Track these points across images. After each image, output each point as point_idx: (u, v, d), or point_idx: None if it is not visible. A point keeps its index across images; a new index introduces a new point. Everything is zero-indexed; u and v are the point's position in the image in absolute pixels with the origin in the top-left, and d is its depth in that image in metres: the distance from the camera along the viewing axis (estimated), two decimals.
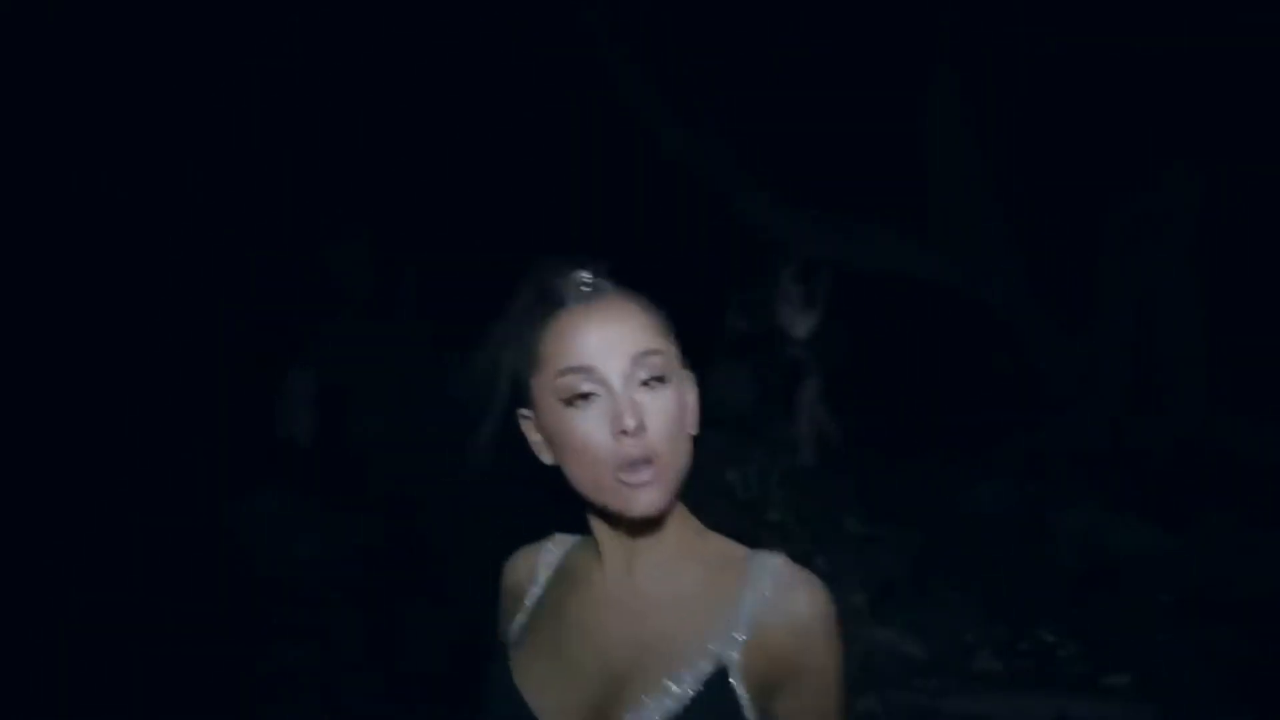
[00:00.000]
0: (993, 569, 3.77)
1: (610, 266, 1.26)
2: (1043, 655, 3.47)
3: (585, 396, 1.19)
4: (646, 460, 1.17)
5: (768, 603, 1.21)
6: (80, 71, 4.20)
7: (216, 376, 4.12)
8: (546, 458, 1.25)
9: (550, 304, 1.24)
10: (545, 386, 1.22)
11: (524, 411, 1.26)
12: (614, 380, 1.19)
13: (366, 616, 3.69)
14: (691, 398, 1.25)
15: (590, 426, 1.19)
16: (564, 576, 1.34)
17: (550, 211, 4.79)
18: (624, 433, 1.16)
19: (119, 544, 3.80)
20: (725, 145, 4.94)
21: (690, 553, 1.27)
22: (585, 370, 1.19)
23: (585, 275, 1.25)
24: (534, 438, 1.26)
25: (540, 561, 1.38)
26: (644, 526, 1.25)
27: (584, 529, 1.32)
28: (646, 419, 1.18)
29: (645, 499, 1.18)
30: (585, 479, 1.20)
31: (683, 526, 1.27)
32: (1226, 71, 4.18)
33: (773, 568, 1.22)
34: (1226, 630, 3.48)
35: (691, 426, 1.24)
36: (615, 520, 1.25)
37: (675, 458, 1.19)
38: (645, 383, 1.19)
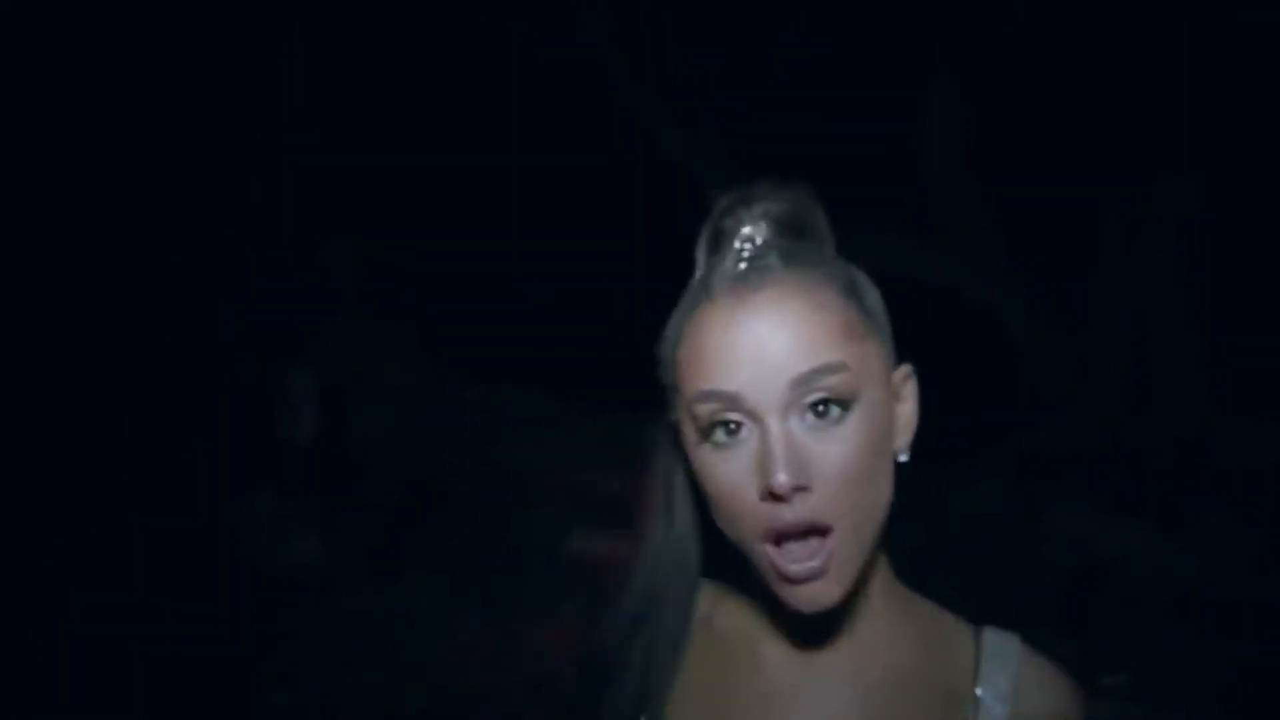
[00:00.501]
0: (989, 569, 3.78)
1: (798, 210, 0.91)
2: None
3: (729, 430, 0.86)
4: (814, 532, 0.84)
5: (1014, 705, 0.91)
6: (78, 69, 4.21)
7: (216, 376, 4.13)
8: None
9: (700, 285, 0.90)
10: (683, 407, 0.89)
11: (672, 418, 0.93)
12: (766, 412, 0.84)
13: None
14: (907, 407, 0.93)
15: (733, 470, 0.86)
16: (716, 646, 0.97)
17: (547, 212, 4.80)
18: (774, 495, 0.83)
19: (117, 544, 3.81)
20: (725, 145, 4.95)
21: (898, 628, 0.94)
22: (727, 398, 0.85)
23: (748, 241, 0.89)
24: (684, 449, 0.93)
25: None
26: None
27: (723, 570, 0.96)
28: (813, 470, 0.84)
29: (808, 595, 0.85)
30: (732, 536, 0.89)
31: (885, 589, 0.94)
32: (1223, 74, 4.20)
33: (1012, 655, 0.94)
34: (1224, 631, 3.49)
35: (899, 451, 0.91)
36: None
37: (860, 523, 0.86)
38: (817, 409, 0.84)
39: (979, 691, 0.92)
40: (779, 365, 0.85)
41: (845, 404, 0.85)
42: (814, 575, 0.85)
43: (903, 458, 0.91)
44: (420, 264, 4.43)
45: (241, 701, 3.30)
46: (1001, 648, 0.94)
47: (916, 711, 0.91)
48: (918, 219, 4.83)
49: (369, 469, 4.02)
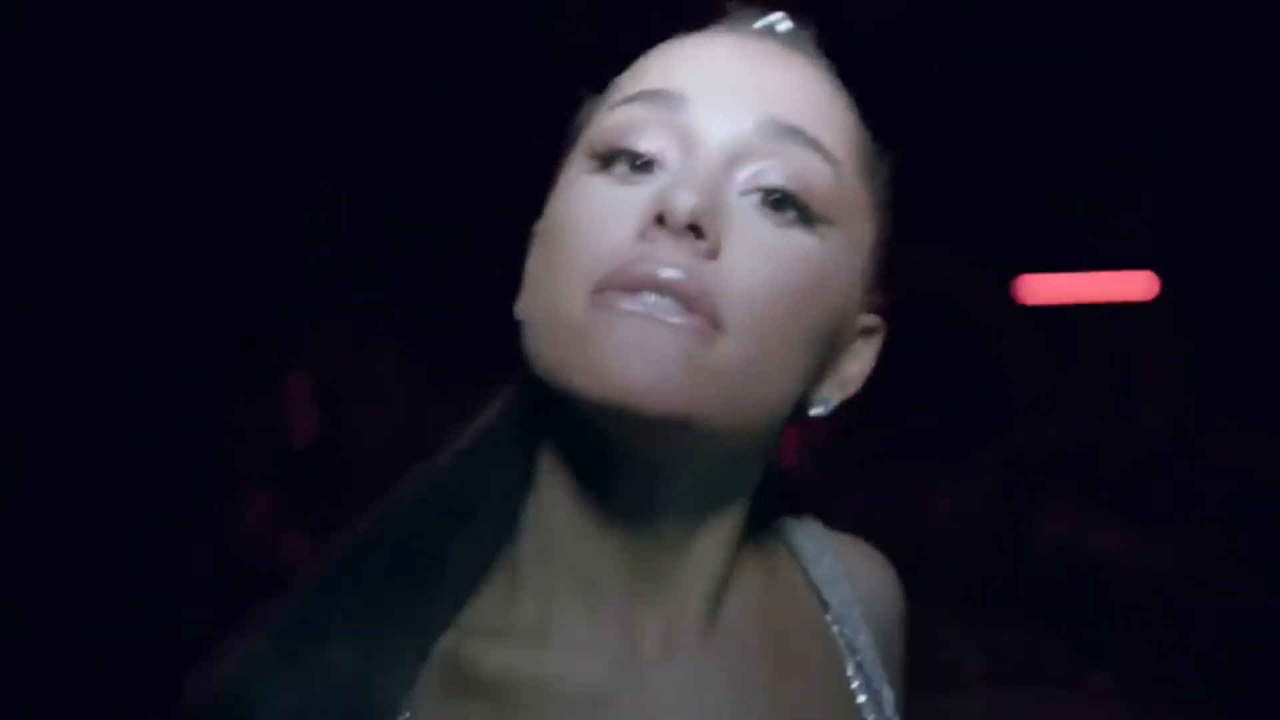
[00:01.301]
0: (974, 569, 3.81)
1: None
2: (1026, 655, 3.51)
3: (636, 164, 0.58)
4: (677, 289, 0.54)
5: (864, 604, 0.74)
6: (81, 68, 4.22)
7: (214, 376, 4.15)
8: (521, 309, 0.65)
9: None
10: (582, 146, 0.63)
11: (538, 227, 0.67)
12: (708, 139, 0.58)
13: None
14: (857, 365, 0.67)
15: (613, 204, 0.58)
16: (495, 708, 0.60)
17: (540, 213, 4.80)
18: (660, 221, 0.55)
19: (112, 544, 3.82)
20: None
21: (744, 574, 0.68)
22: (661, 101, 0.58)
23: (776, 15, 0.67)
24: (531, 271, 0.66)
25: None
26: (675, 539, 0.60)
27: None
28: (732, 243, 0.56)
29: (643, 369, 0.53)
30: (543, 316, 0.59)
31: (735, 557, 0.67)
32: (1205, 77, 4.23)
33: (818, 537, 0.75)
34: (1209, 632, 3.52)
35: (819, 400, 0.65)
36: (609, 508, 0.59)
37: (752, 336, 0.56)
38: (770, 198, 0.58)
39: (832, 621, 0.71)
40: (753, 93, 0.59)
41: (810, 217, 0.59)
42: (649, 323, 0.53)
43: (816, 410, 0.66)
44: (418, 264, 4.45)
45: None
46: (808, 533, 0.75)
47: (801, 654, 0.69)
48: (898, 219, 4.85)
49: (365, 470, 4.04)
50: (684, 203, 0.54)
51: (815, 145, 0.59)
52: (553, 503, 0.62)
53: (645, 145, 0.58)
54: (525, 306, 0.63)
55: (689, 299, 0.54)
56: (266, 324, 4.12)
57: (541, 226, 0.65)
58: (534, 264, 0.64)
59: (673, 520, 0.61)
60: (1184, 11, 4.02)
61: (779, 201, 0.58)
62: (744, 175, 0.58)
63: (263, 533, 3.90)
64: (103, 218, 4.24)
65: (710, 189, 0.55)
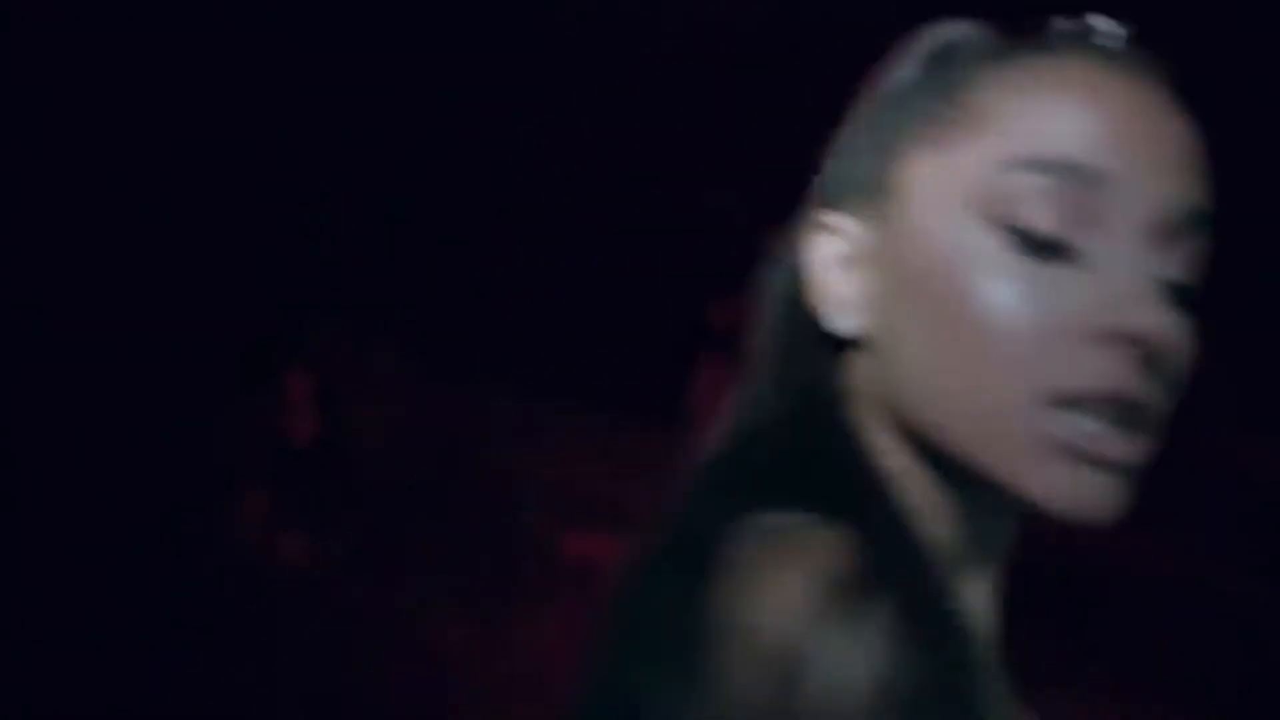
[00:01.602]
0: None
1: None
2: (1024, 654, 3.51)
3: (1036, 246, 0.54)
4: (1125, 402, 0.54)
5: None
6: (81, 68, 4.23)
7: (214, 376, 4.15)
8: (845, 321, 0.59)
9: (1013, 46, 0.59)
10: (966, 196, 0.56)
11: (827, 215, 0.61)
12: (1130, 230, 0.55)
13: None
14: None
15: (1034, 293, 0.54)
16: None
17: (543, 220, 4.81)
18: (1125, 338, 0.54)
19: (112, 543, 3.82)
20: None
21: None
22: (1080, 178, 0.54)
23: (1111, 25, 0.59)
24: (826, 280, 0.60)
25: None
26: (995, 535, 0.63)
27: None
28: (1166, 348, 0.55)
29: (1102, 490, 0.55)
30: (959, 396, 0.56)
31: None
32: (1207, 76, 4.23)
33: None
34: (1207, 632, 3.53)
35: None
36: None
37: (1160, 433, 0.58)
38: (1175, 289, 0.56)
39: None
40: (1167, 170, 0.55)
41: (1191, 299, 0.57)
42: (1123, 461, 0.55)
43: None
44: (418, 264, 4.45)
45: (226, 699, 3.32)
46: None
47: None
48: None
49: (362, 469, 4.05)
50: (1156, 327, 0.53)
51: (1210, 224, 0.57)
52: (909, 490, 0.60)
53: (1058, 227, 0.55)
54: (897, 354, 0.58)
55: (1135, 414, 0.55)
56: (266, 324, 4.12)
57: (919, 275, 0.58)
58: (896, 313, 0.58)
59: (1003, 536, 0.65)
60: (1183, 9, 4.03)
61: (1180, 291, 0.57)
62: (1157, 267, 0.56)
63: (262, 532, 3.90)
64: (103, 217, 4.24)
65: (1160, 302, 0.54)
